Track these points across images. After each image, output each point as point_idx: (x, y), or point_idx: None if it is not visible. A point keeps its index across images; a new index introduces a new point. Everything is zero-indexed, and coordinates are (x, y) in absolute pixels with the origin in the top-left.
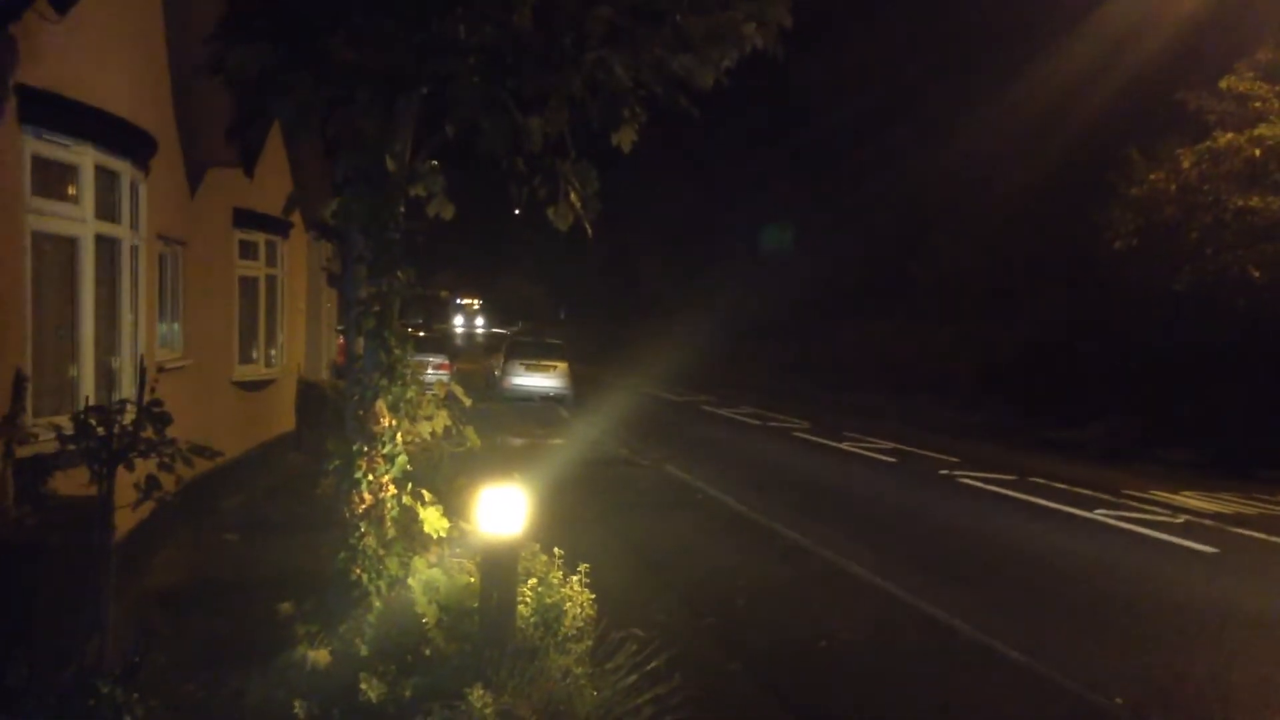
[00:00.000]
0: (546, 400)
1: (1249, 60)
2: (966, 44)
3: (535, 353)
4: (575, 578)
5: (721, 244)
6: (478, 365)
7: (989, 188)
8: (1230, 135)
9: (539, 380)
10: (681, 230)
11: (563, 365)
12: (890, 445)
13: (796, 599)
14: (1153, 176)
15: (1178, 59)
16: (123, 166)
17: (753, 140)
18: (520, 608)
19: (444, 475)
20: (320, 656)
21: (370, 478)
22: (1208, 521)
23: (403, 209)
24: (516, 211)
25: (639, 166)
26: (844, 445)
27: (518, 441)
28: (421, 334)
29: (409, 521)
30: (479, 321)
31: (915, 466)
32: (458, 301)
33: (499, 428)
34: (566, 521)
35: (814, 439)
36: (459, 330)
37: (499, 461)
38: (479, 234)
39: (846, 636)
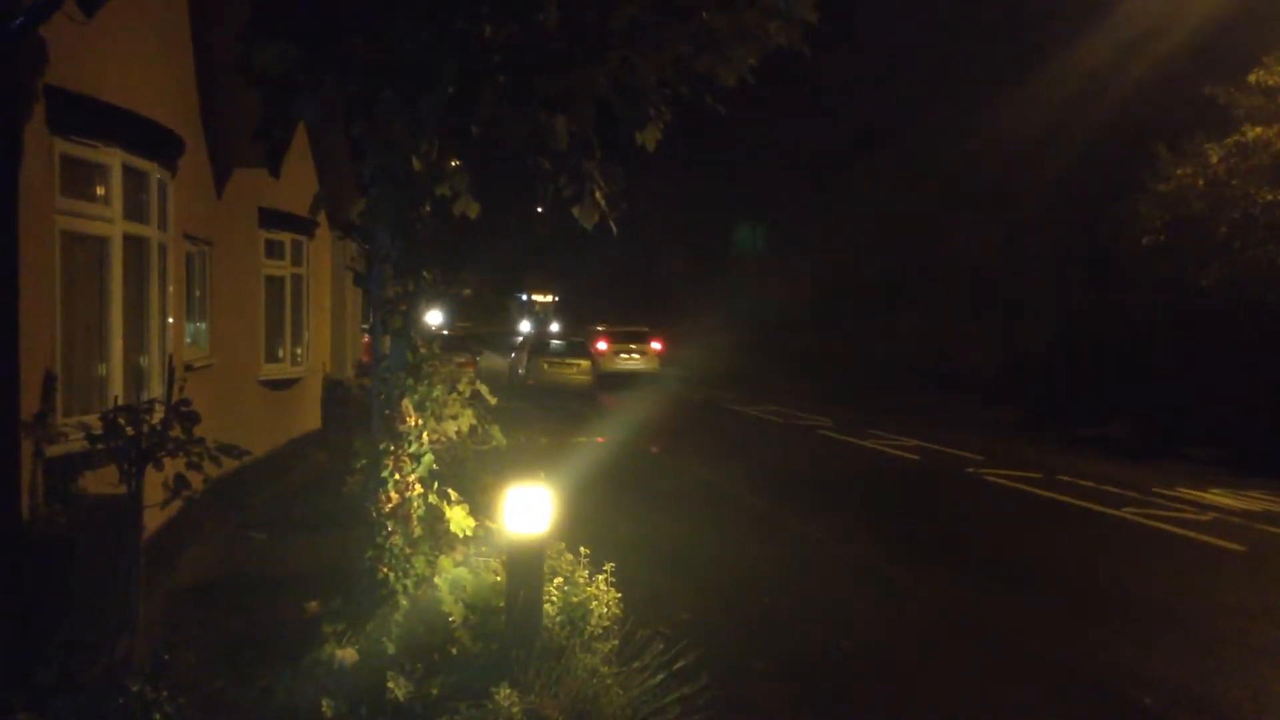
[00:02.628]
0: (572, 397)
1: (1277, 53)
2: (990, 38)
3: (558, 351)
4: (601, 576)
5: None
6: (504, 363)
7: (1014, 182)
8: (1259, 129)
9: (563, 378)
10: (703, 225)
11: (585, 363)
12: (914, 443)
13: (822, 598)
14: (1180, 172)
15: (1205, 52)
16: (150, 167)
17: (774, 135)
18: (546, 606)
19: (470, 473)
20: (348, 655)
21: (397, 477)
22: (1236, 519)
23: (429, 208)
24: (540, 210)
25: (659, 161)
26: (867, 443)
27: (543, 440)
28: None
29: (435, 520)
30: (555, 328)
31: (940, 464)
32: (522, 298)
33: (524, 426)
34: (592, 520)
35: (837, 436)
36: (523, 336)
37: (524, 460)
38: (501, 230)
39: (875, 637)
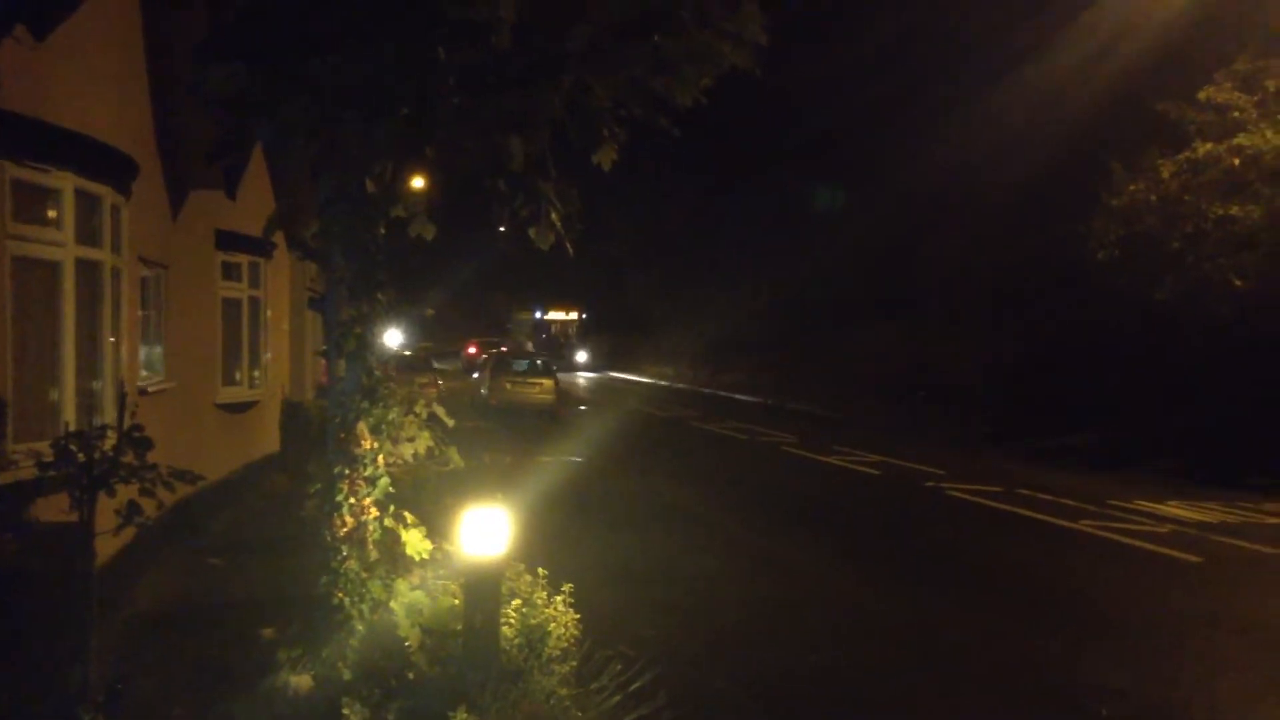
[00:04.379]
0: (535, 416)
1: (1227, 70)
2: (955, 52)
3: (521, 370)
4: (559, 598)
5: (713, 253)
6: (466, 384)
7: (981, 196)
8: (1210, 145)
9: (526, 397)
10: (671, 240)
11: (548, 382)
12: (877, 458)
13: (783, 614)
14: (1133, 187)
15: (1161, 70)
16: (104, 190)
17: (743, 149)
18: (504, 629)
19: (430, 495)
20: (303, 681)
21: (352, 501)
22: (1192, 531)
23: (384, 230)
24: (502, 229)
25: (626, 176)
26: (831, 459)
27: (505, 459)
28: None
29: (392, 544)
30: (581, 357)
31: (900, 479)
32: (538, 317)
33: (487, 446)
34: (554, 540)
35: (802, 453)
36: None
37: (486, 481)
38: (464, 250)
39: (835, 652)
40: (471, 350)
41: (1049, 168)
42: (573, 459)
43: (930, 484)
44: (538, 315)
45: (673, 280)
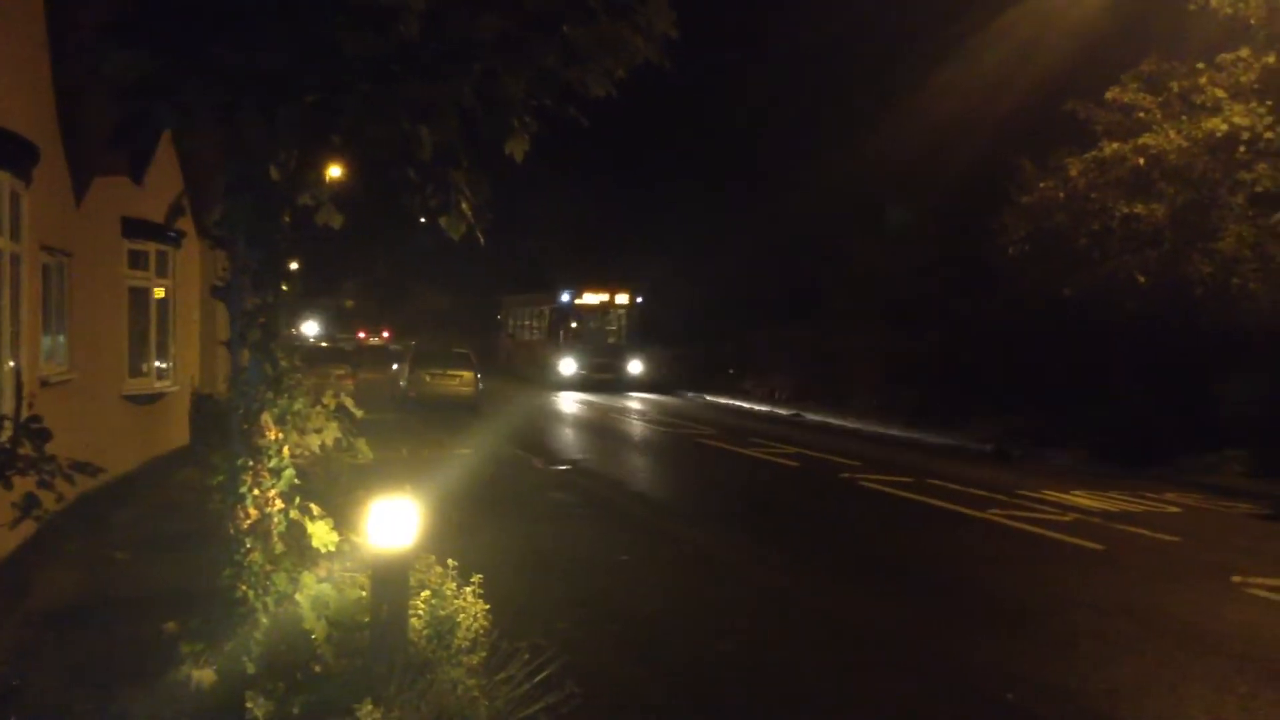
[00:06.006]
0: (454, 409)
1: (1134, 72)
2: (872, 52)
3: (441, 362)
4: (469, 588)
5: (635, 249)
6: (384, 375)
7: (897, 194)
8: (1116, 145)
9: (445, 389)
10: (593, 236)
11: (468, 374)
12: (794, 450)
13: (699, 601)
14: (1043, 185)
15: (1074, 70)
16: (2, 176)
17: (661, 145)
18: (413, 620)
19: (344, 488)
20: (205, 676)
21: (256, 492)
22: (1095, 519)
23: (289, 218)
24: (423, 220)
25: (548, 172)
26: (748, 451)
27: (423, 451)
28: (324, 344)
29: (298, 536)
30: (635, 366)
31: (817, 470)
32: (563, 300)
33: (404, 438)
34: (469, 530)
35: (720, 445)
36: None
37: (401, 472)
38: (384, 241)
39: (748, 639)
40: (360, 335)
41: (970, 167)
42: (489, 449)
43: (846, 475)
44: (564, 299)
45: (595, 275)
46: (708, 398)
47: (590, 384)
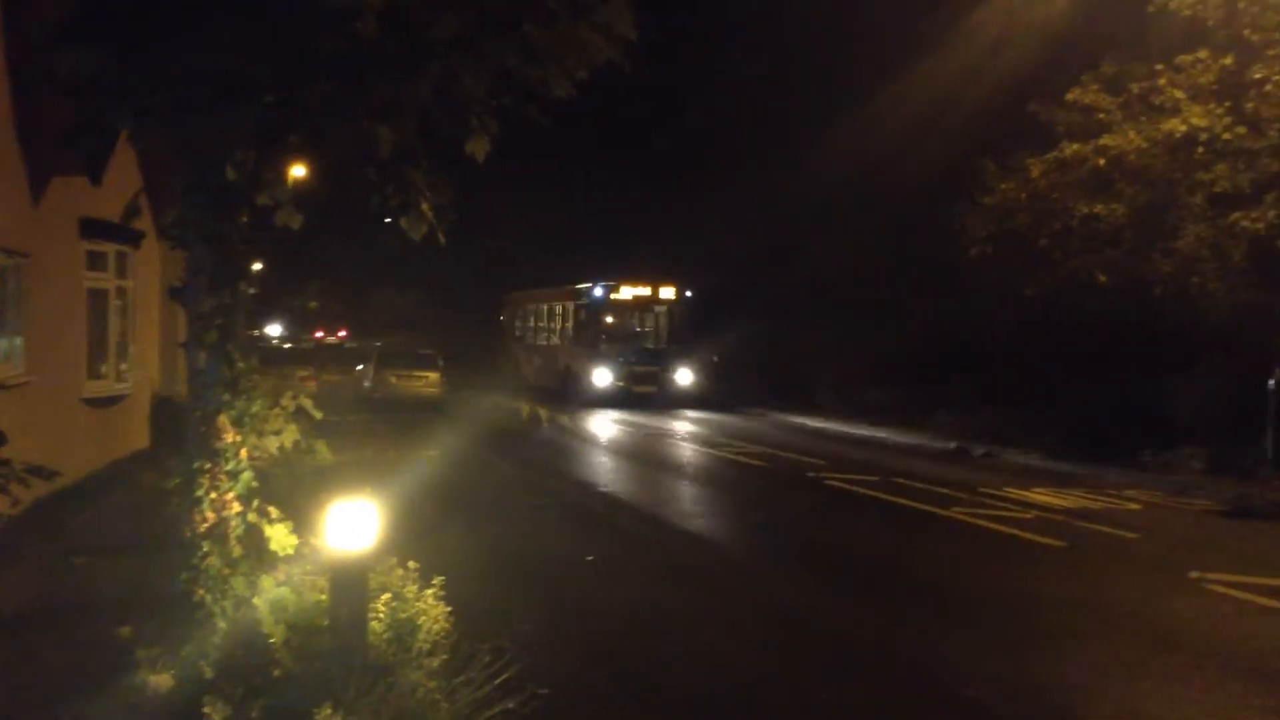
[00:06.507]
0: (421, 410)
1: (1095, 73)
2: (840, 51)
3: (406, 363)
4: (430, 591)
5: (598, 248)
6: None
7: (863, 193)
8: (1076, 145)
9: (411, 390)
10: (559, 235)
11: (434, 375)
12: (761, 449)
13: (668, 602)
14: (1004, 186)
15: (1037, 71)
16: None
17: (626, 144)
18: (373, 624)
19: (306, 490)
20: (162, 681)
21: (213, 495)
22: (1057, 516)
23: (246, 219)
24: (388, 220)
25: (512, 172)
26: (717, 451)
27: (387, 452)
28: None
29: (257, 539)
30: (684, 375)
31: (785, 469)
32: (596, 295)
33: (368, 439)
34: (435, 532)
35: (689, 444)
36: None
37: (366, 474)
38: (349, 241)
39: (712, 639)
40: (318, 334)
41: (928, 168)
42: (453, 451)
43: (812, 474)
44: (597, 293)
45: (560, 273)
46: (782, 416)
47: (629, 399)
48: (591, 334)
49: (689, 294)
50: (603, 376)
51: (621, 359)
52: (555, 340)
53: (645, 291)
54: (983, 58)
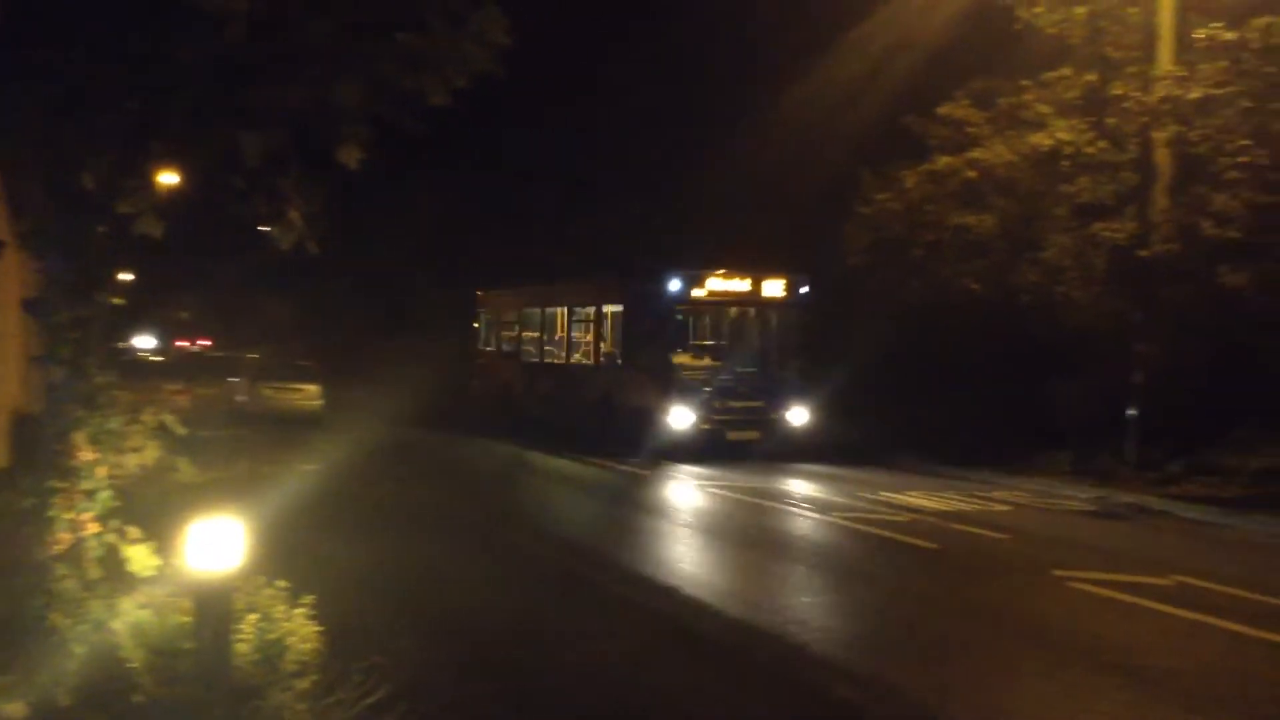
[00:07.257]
0: (297, 424)
1: (966, 88)
2: (726, 63)
3: (282, 375)
4: (299, 610)
5: (485, 254)
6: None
7: (751, 202)
8: (948, 158)
9: (288, 404)
10: (444, 242)
11: (313, 388)
12: (650, 459)
13: (548, 614)
14: (881, 196)
15: (916, 86)
16: None
17: (507, 156)
18: (239, 645)
19: (174, 509)
20: (15, 710)
21: (69, 516)
22: (931, 519)
23: (104, 228)
24: (261, 229)
25: (400, 176)
26: (606, 461)
27: (264, 468)
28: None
29: (117, 561)
30: (798, 413)
31: (672, 479)
32: (672, 290)
33: (241, 455)
34: (309, 549)
35: (578, 457)
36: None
37: (238, 491)
38: (221, 250)
39: (590, 649)
40: (179, 344)
41: (815, 179)
42: (331, 465)
43: (698, 484)
44: (674, 287)
45: (447, 281)
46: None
47: (722, 449)
48: (659, 349)
49: (804, 289)
50: (682, 416)
51: (708, 389)
52: (583, 357)
53: (743, 285)
54: (863, 72)
